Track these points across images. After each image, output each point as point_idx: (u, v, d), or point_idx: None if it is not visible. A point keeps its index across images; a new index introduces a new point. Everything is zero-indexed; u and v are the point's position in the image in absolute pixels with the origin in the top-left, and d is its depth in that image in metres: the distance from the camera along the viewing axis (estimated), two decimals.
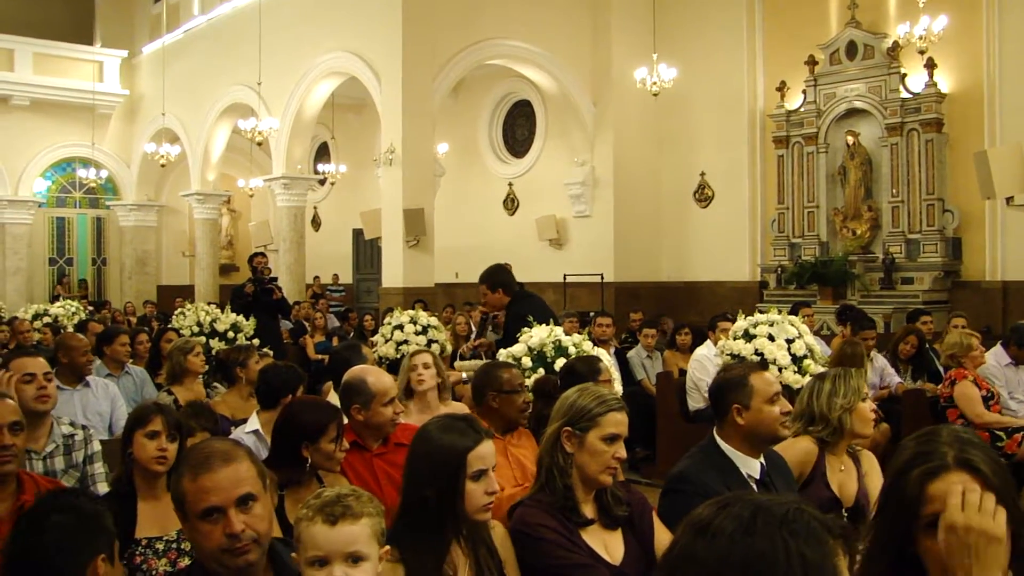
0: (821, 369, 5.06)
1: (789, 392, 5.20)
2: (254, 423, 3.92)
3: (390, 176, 12.47)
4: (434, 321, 7.87)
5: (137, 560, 2.64)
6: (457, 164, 15.88)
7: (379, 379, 3.39)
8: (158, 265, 20.11)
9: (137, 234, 19.72)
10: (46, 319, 10.24)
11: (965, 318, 7.68)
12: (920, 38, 9.52)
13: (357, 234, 17.40)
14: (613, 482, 2.50)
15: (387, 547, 1.89)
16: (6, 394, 3.01)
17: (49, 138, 18.61)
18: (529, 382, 4.25)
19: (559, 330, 5.05)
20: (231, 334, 7.68)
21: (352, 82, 13.74)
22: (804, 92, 12.54)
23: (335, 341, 9.56)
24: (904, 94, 11.50)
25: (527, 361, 4.78)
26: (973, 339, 5.79)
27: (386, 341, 7.61)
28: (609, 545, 2.47)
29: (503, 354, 4.95)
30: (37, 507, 2.03)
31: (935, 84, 11.30)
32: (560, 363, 4.63)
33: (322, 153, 19.13)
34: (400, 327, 7.61)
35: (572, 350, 4.85)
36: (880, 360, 6.82)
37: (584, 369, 3.98)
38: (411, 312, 7.86)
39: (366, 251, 18.05)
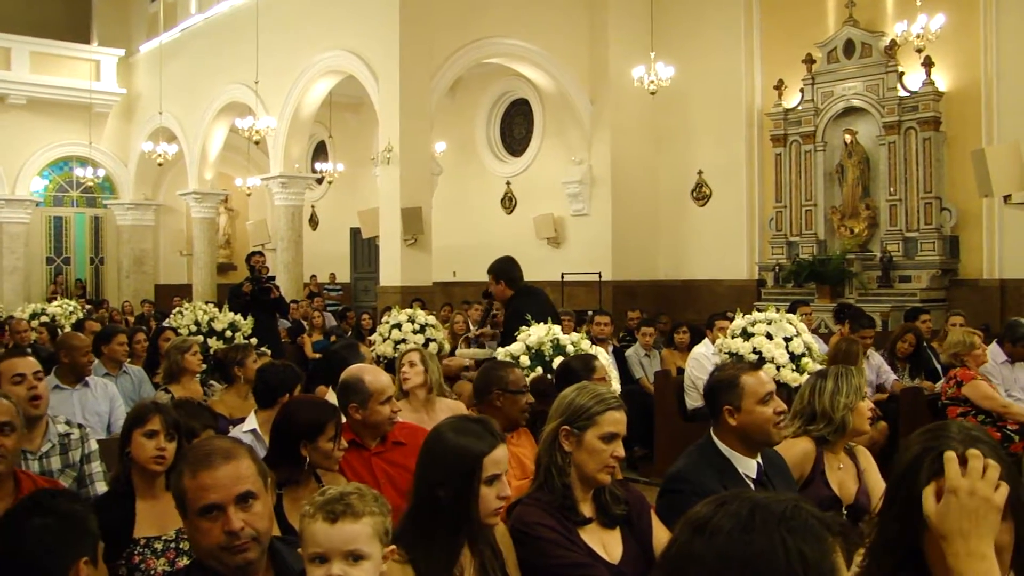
0: (819, 367, 5.06)
1: (787, 391, 5.22)
2: (252, 422, 3.92)
3: (388, 175, 12.46)
4: (432, 320, 7.89)
5: (135, 560, 2.63)
6: (455, 163, 15.87)
7: (376, 378, 3.38)
8: (155, 264, 20.08)
9: (134, 233, 19.68)
10: (43, 318, 10.21)
11: (963, 316, 7.69)
12: (918, 36, 9.51)
13: (355, 233, 17.36)
14: (611, 481, 2.50)
15: (392, 546, 1.88)
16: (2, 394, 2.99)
17: (46, 137, 18.57)
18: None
19: (557, 329, 5.05)
20: (229, 333, 7.67)
21: (350, 81, 13.73)
22: (802, 90, 12.53)
23: (332, 339, 9.54)
24: (902, 92, 11.49)
25: (525, 360, 4.78)
26: (975, 337, 5.80)
27: (384, 340, 7.63)
28: (607, 544, 2.47)
29: (501, 352, 4.95)
30: (17, 510, 1.98)
31: (932, 82, 11.31)
32: (559, 362, 4.64)
33: (320, 152, 19.12)
34: (398, 326, 7.63)
35: (571, 349, 4.85)
36: (876, 358, 6.82)
37: (579, 367, 3.99)
38: (409, 311, 7.87)
39: (364, 250, 18.02)
